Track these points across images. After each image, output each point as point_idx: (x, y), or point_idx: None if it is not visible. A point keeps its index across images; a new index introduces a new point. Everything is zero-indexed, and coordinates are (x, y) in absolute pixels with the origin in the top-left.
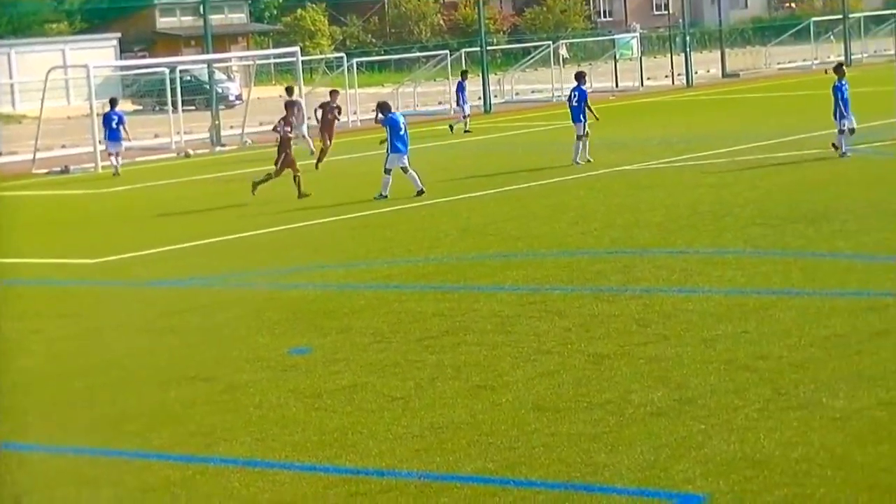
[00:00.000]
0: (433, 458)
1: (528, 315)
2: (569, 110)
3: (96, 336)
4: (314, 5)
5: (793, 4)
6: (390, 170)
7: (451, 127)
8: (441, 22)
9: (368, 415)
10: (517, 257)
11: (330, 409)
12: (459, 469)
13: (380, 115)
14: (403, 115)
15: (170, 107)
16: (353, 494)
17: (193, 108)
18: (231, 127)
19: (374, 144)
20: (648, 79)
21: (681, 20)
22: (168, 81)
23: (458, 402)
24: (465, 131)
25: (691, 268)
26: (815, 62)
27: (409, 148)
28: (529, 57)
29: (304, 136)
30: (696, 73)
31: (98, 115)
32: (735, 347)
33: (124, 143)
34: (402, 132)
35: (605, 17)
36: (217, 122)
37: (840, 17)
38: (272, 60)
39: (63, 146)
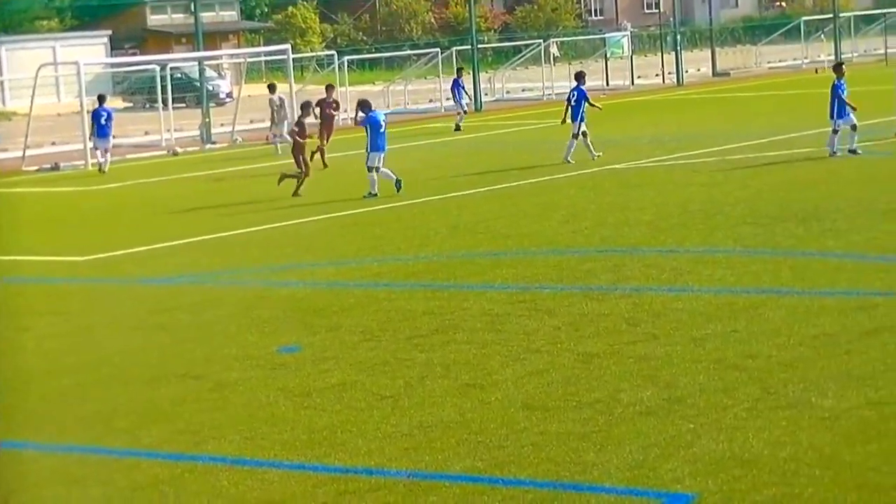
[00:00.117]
0: (422, 456)
1: (518, 314)
2: (568, 109)
3: (86, 333)
4: (305, 3)
5: (783, 3)
6: (373, 167)
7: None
8: (432, 20)
9: (357, 413)
10: (507, 256)
11: (319, 408)
12: (448, 468)
13: (360, 114)
14: (385, 114)
15: (160, 104)
16: (341, 493)
17: (184, 105)
18: (221, 125)
19: (365, 142)
20: (639, 77)
21: (671, 19)
22: (158, 79)
23: (447, 400)
24: (456, 129)
25: (681, 267)
26: (806, 61)
27: (387, 148)
28: (520, 55)
29: (282, 135)
30: (686, 71)
31: (88, 112)
32: (724, 346)
33: (112, 140)
34: (382, 130)
35: (595, 15)
36: (207, 120)
37: (830, 16)
38: (263, 58)
39: (53, 143)
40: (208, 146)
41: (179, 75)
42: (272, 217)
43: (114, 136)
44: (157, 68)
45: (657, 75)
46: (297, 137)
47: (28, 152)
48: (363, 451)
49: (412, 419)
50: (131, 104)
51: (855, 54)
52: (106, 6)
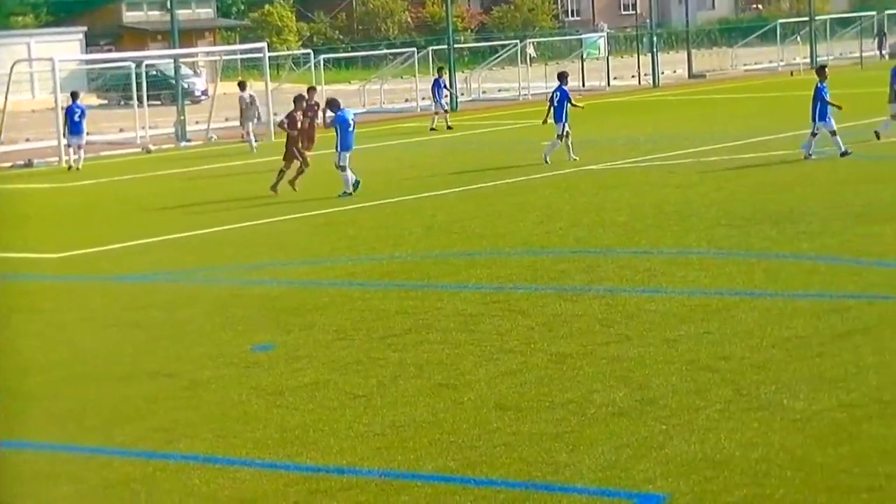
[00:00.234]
0: (394, 456)
1: (492, 314)
2: (550, 110)
3: (59, 331)
4: (282, 1)
5: (759, 6)
6: (345, 166)
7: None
8: (409, 19)
9: (330, 412)
10: (481, 256)
11: (292, 407)
12: (420, 467)
13: (329, 114)
14: (354, 113)
15: (135, 101)
16: (313, 492)
17: (159, 102)
18: (197, 122)
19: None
20: (615, 78)
21: (648, 20)
22: (134, 76)
23: (419, 400)
24: (431, 129)
25: (655, 268)
26: (782, 64)
27: (353, 147)
28: (497, 55)
29: (250, 133)
30: (662, 73)
31: (62, 108)
32: (697, 348)
33: (86, 137)
34: (351, 129)
35: (572, 16)
36: (183, 118)
37: (806, 19)
38: (239, 56)
39: (27, 140)
40: (183, 144)
41: (155, 72)
42: (246, 215)
43: (88, 133)
44: (133, 65)
45: (633, 76)
46: (289, 130)
47: (1, 149)
48: (335, 449)
49: (385, 418)
50: (106, 101)
51: (830, 57)
52: (81, 2)
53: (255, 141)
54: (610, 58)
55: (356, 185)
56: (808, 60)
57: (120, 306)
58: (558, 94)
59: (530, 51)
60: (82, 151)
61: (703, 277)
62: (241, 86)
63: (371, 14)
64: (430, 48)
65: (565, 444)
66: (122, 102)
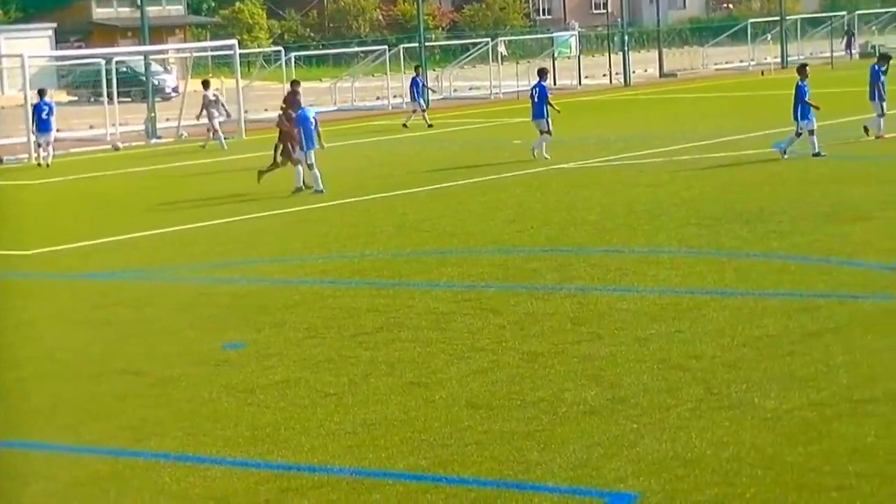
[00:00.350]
0: (366, 454)
1: (463, 312)
2: (531, 106)
3: (28, 328)
4: None
5: (730, 5)
6: (312, 164)
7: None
8: (380, 17)
9: (301, 410)
10: (453, 254)
11: (262, 405)
12: (392, 466)
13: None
14: (315, 111)
15: (105, 98)
16: (284, 490)
17: (129, 99)
18: (167, 119)
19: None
20: (586, 77)
21: (619, 19)
22: (104, 72)
23: (391, 398)
24: (404, 125)
25: (626, 267)
26: (752, 63)
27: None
28: (468, 54)
29: (216, 130)
30: (633, 72)
31: (32, 105)
32: (668, 347)
33: (54, 134)
34: (313, 127)
35: (543, 14)
36: (153, 115)
37: (777, 18)
38: (209, 53)
39: None
40: (154, 141)
41: (125, 69)
42: (216, 213)
43: (58, 130)
44: (103, 62)
45: (604, 75)
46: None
47: None
48: (306, 448)
49: (356, 417)
50: (76, 98)
51: (801, 57)
52: None
53: (225, 138)
54: (581, 57)
55: (297, 191)
56: (778, 60)
57: (89, 304)
58: (537, 89)
59: (501, 49)
60: (51, 148)
61: (673, 276)
62: (205, 84)
63: (342, 12)
64: (402, 46)
65: (536, 442)
66: (93, 99)
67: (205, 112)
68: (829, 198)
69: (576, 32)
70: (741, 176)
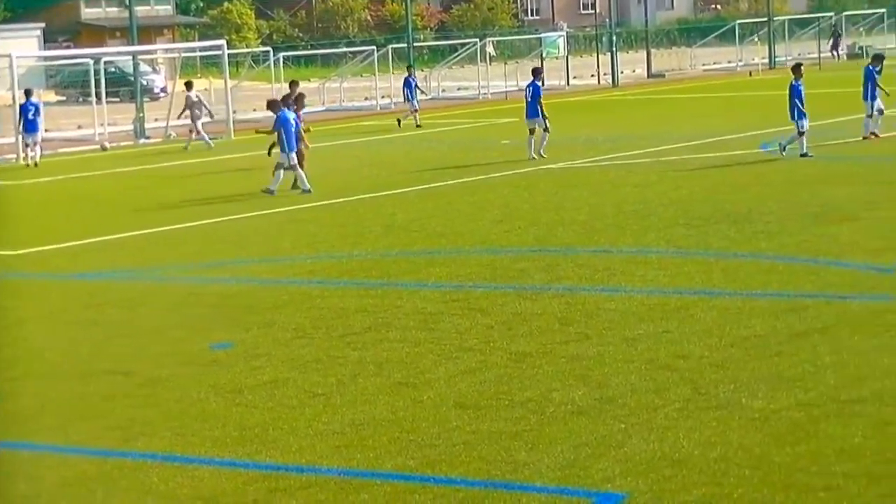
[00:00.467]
0: (354, 454)
1: (451, 312)
2: (525, 106)
3: (17, 328)
4: None
5: (718, 6)
6: (294, 165)
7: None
8: (368, 17)
9: (289, 411)
10: (441, 254)
11: (251, 405)
12: (380, 466)
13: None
14: (295, 113)
15: (94, 98)
16: (272, 490)
17: (118, 99)
18: (156, 119)
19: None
20: (574, 78)
21: (607, 20)
22: (92, 72)
23: (379, 398)
24: (397, 123)
25: (614, 267)
26: (740, 64)
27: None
28: (456, 54)
29: (199, 131)
30: (621, 72)
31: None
32: (656, 347)
33: (42, 134)
34: (293, 129)
35: (532, 15)
36: (141, 115)
37: (765, 19)
38: (198, 53)
39: None
40: (142, 141)
41: (113, 69)
42: (205, 213)
43: (46, 130)
44: (91, 62)
45: (593, 76)
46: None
47: None
48: (294, 448)
49: (344, 417)
50: (64, 98)
51: (788, 57)
52: None
53: (212, 138)
54: (569, 57)
55: (269, 192)
56: (766, 61)
57: (77, 304)
58: (531, 88)
59: (490, 49)
60: (38, 148)
61: (661, 276)
62: (188, 85)
63: (331, 12)
64: (390, 46)
65: (524, 442)
66: (81, 99)
67: (186, 112)
68: (817, 198)
69: (564, 33)
70: (729, 176)
